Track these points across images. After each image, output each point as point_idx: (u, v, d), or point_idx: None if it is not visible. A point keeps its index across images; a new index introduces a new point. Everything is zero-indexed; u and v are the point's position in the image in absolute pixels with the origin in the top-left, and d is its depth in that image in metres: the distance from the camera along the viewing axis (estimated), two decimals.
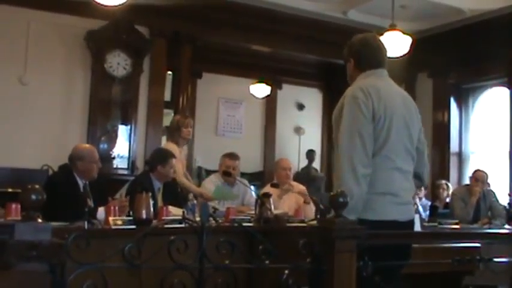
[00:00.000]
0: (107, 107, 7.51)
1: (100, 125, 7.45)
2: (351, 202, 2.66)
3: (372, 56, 3.10)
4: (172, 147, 5.94)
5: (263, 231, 4.02)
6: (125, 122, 7.63)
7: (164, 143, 6.24)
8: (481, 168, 7.17)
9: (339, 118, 2.95)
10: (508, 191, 7.57)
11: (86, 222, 3.56)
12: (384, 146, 2.89)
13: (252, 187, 6.17)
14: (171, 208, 4.42)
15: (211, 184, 5.81)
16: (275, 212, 4.62)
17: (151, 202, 3.92)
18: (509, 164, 8.21)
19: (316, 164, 10.55)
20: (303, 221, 4.70)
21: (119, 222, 3.72)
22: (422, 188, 8.15)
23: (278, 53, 9.68)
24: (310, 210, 5.54)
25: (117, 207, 3.94)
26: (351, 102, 2.91)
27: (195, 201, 4.47)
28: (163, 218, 4.13)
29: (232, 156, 5.93)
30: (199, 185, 6.30)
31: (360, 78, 3.07)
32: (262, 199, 4.49)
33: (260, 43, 8.95)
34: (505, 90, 8.56)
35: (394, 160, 2.92)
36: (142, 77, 7.76)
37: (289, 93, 11.10)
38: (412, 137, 3.04)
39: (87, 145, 5.35)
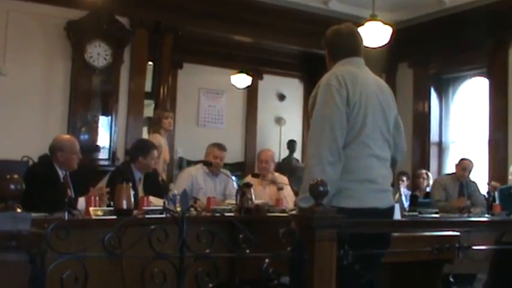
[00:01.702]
0: (87, 98, 7.46)
1: (80, 116, 7.40)
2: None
3: (344, 45, 3.11)
4: (157, 137, 6.43)
5: (244, 221, 4.04)
6: (105, 113, 7.58)
7: (147, 135, 6.28)
8: (466, 157, 7.25)
9: (313, 105, 2.96)
10: (487, 180, 7.65)
11: (66, 213, 3.55)
12: (361, 133, 2.89)
13: (234, 177, 6.16)
14: (152, 198, 4.42)
15: (188, 177, 5.77)
16: (256, 201, 4.63)
17: (132, 192, 3.92)
18: (489, 154, 8.29)
19: (297, 154, 10.57)
20: (284, 211, 4.72)
21: (99, 213, 3.71)
22: (405, 178, 8.23)
23: (259, 44, 9.68)
24: (291, 199, 5.57)
25: (97, 198, 3.93)
26: (324, 90, 2.90)
27: (176, 192, 4.46)
28: (143, 208, 4.13)
29: (221, 146, 5.94)
30: None
31: (336, 66, 3.07)
32: (243, 189, 4.50)
33: (241, 33, 8.94)
34: (484, 81, 8.63)
35: (371, 147, 2.92)
36: (123, 68, 7.71)
37: (270, 83, 11.10)
38: (389, 124, 3.05)
39: (68, 136, 5.32)
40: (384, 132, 3.00)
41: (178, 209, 3.94)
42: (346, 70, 2.98)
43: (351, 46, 3.12)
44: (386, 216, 3.00)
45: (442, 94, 9.34)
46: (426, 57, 9.21)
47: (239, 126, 10.90)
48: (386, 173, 3.04)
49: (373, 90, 3.00)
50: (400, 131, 3.20)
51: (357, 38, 3.17)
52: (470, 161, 7.05)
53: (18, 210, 1.79)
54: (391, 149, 3.09)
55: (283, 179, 6.03)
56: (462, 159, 7.13)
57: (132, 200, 3.90)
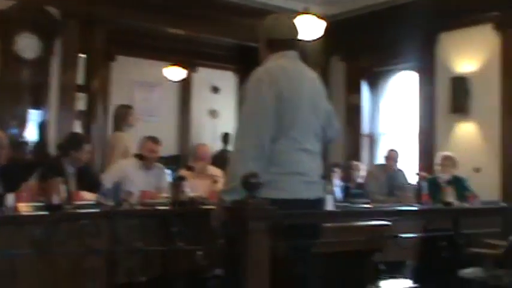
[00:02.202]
0: (16, 91, 7.26)
1: (9, 110, 7.20)
2: (232, 184, 2.71)
3: (282, 37, 3.09)
4: (121, 135, 6.71)
5: (178, 214, 4.03)
6: (36, 106, 7.40)
7: (110, 134, 6.20)
8: (393, 148, 7.45)
9: (242, 100, 2.97)
10: (416, 171, 7.86)
11: None
12: (291, 128, 2.90)
13: (168, 171, 6.13)
14: (84, 193, 4.36)
15: (119, 170, 5.71)
16: (190, 194, 4.62)
17: (64, 187, 3.84)
18: (417, 145, 8.53)
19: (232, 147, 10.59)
20: None
21: (29, 208, 3.63)
22: (338, 170, 8.37)
23: (193, 36, 9.63)
24: None
25: (27, 193, 3.85)
26: (253, 85, 2.90)
27: (108, 186, 4.41)
28: (75, 202, 4.06)
29: (156, 140, 5.90)
30: None
31: (271, 59, 3.06)
32: (177, 182, 4.49)
33: (175, 26, 8.87)
34: (413, 74, 8.86)
35: (301, 142, 2.94)
36: (53, 60, 7.54)
37: (205, 76, 11.09)
38: (320, 118, 3.08)
39: None
40: (314, 126, 3.03)
41: (111, 203, 3.91)
42: (278, 64, 2.98)
43: (287, 39, 3.11)
44: (316, 207, 3.04)
45: (373, 87, 9.52)
46: (358, 51, 9.35)
47: (173, 119, 10.85)
48: (316, 166, 3.07)
49: (305, 85, 3.02)
50: (332, 122, 3.22)
51: (295, 31, 3.17)
52: (397, 152, 7.26)
53: None
54: (321, 143, 3.12)
55: (217, 172, 6.04)
56: (389, 150, 7.34)
57: (64, 195, 3.83)
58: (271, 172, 2.84)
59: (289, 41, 3.12)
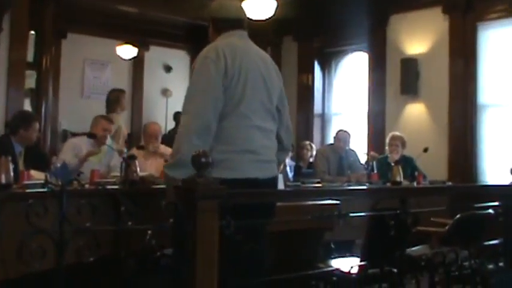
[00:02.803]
0: None
1: None
2: (175, 158, 2.77)
3: (228, 17, 3.14)
4: (116, 117, 6.85)
5: (128, 194, 4.01)
6: None
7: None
8: (343, 129, 7.52)
9: (190, 78, 3.02)
10: (366, 151, 7.98)
11: None
12: (240, 104, 2.91)
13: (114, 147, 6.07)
14: (33, 172, 4.30)
15: (72, 148, 5.63)
16: (141, 174, 4.61)
17: (12, 166, 3.78)
18: (368, 125, 8.65)
19: None
20: None
21: None
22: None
23: (145, 14, 9.53)
24: None
25: None
26: (201, 62, 2.93)
27: (58, 165, 4.36)
28: (24, 182, 4.01)
29: (109, 119, 5.87)
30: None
31: (219, 39, 3.10)
32: (128, 161, 4.46)
33: (127, 3, 8.76)
34: (364, 55, 8.95)
35: (251, 118, 2.94)
36: (2, 36, 7.36)
37: (157, 55, 11.00)
38: (272, 96, 3.09)
39: None
40: (265, 103, 3.04)
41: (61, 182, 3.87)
42: (226, 42, 3.01)
43: (236, 19, 3.15)
44: (268, 187, 3.06)
45: (326, 67, 9.60)
46: (311, 31, 9.41)
47: (125, 97, 10.73)
48: (269, 144, 3.07)
49: (255, 63, 3.03)
50: (284, 104, 3.26)
51: (241, 11, 3.21)
52: (347, 132, 7.34)
53: None
54: (276, 121, 3.14)
55: (169, 151, 6.01)
56: (338, 131, 7.42)
57: (12, 174, 3.78)
58: (220, 150, 2.85)
59: (237, 21, 3.16)
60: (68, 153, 5.51)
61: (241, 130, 2.92)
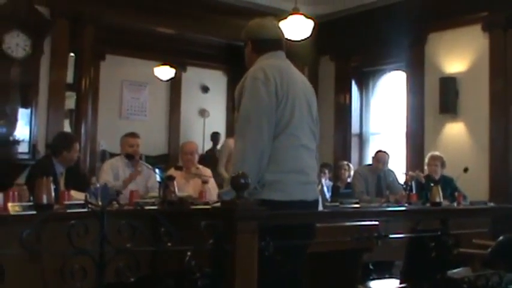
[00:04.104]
0: (5, 90, 7.22)
1: None
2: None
3: (268, 38, 3.13)
4: (230, 141, 6.63)
5: (167, 214, 4.03)
6: (25, 105, 7.37)
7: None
8: (382, 149, 7.44)
9: (239, 99, 2.96)
10: (405, 171, 7.88)
11: None
12: (289, 125, 2.92)
13: (157, 170, 6.12)
14: (73, 193, 4.34)
15: (111, 169, 5.69)
16: (179, 194, 4.62)
17: (53, 187, 3.83)
18: (406, 145, 8.56)
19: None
20: (207, 203, 4.73)
21: (18, 208, 3.62)
22: (327, 170, 8.40)
23: (183, 35, 9.63)
24: (216, 192, 5.57)
25: (16, 193, 3.83)
26: (251, 83, 2.91)
27: (98, 185, 4.40)
28: (64, 202, 4.05)
29: (133, 134, 5.90)
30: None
31: (260, 60, 3.08)
32: (166, 182, 4.48)
33: (165, 25, 8.86)
34: (402, 74, 8.89)
35: (299, 138, 2.96)
36: (43, 59, 7.51)
37: (194, 75, 11.08)
38: (313, 116, 3.10)
39: None
40: (309, 123, 3.05)
41: (100, 202, 3.91)
42: (272, 64, 3.01)
43: (276, 40, 3.15)
44: (312, 209, 3.06)
45: (363, 87, 9.56)
46: (347, 50, 9.39)
47: (163, 118, 10.84)
48: (314, 164, 3.09)
49: (299, 83, 3.05)
50: (317, 125, 3.25)
51: (280, 31, 3.21)
52: (386, 153, 7.25)
53: None
54: (316, 140, 3.15)
55: (207, 172, 6.03)
56: (377, 152, 7.33)
57: (53, 194, 3.82)
58: (271, 171, 2.86)
59: (276, 41, 3.16)
60: (109, 174, 5.57)
61: (289, 150, 2.92)
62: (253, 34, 3.17)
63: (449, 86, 7.92)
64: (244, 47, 3.22)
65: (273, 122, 2.88)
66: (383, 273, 5.60)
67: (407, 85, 8.64)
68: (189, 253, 2.38)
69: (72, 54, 8.40)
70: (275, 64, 3.02)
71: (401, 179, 7.35)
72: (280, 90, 2.91)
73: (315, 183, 3.10)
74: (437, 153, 6.99)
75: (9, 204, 3.65)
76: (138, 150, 5.80)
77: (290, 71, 3.07)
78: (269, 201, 2.62)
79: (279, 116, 2.90)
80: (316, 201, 3.11)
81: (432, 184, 5.90)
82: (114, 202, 3.84)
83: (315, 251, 3.63)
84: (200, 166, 6.17)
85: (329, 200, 6.93)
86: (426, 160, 6.93)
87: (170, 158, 10.24)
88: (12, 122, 7.26)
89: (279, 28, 3.23)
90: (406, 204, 6.14)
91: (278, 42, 3.16)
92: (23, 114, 7.36)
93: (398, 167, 8.11)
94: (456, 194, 6.34)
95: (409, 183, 6.62)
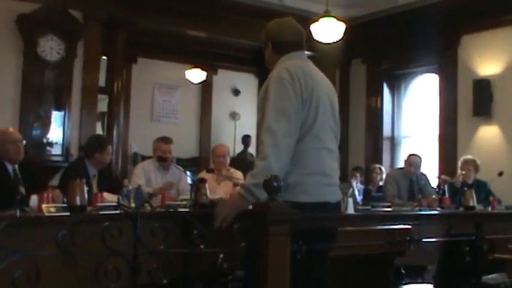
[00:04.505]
0: (39, 93, 7.34)
1: (33, 111, 7.27)
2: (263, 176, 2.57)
3: (290, 38, 3.09)
4: None
5: (198, 217, 4.04)
6: (58, 108, 7.47)
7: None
8: (414, 153, 7.37)
9: (263, 100, 2.92)
10: (437, 174, 7.80)
11: (18, 210, 3.49)
12: (313, 127, 2.88)
13: (188, 173, 6.15)
14: (106, 195, 4.38)
15: (142, 172, 5.73)
16: (211, 197, 4.63)
17: (86, 189, 3.87)
18: (439, 148, 8.47)
19: (252, 149, 10.59)
20: None
21: (52, 210, 3.66)
22: (358, 174, 8.35)
23: (214, 38, 9.64)
24: None
25: (50, 195, 3.88)
26: (277, 83, 2.87)
27: (130, 188, 4.43)
28: (97, 204, 4.09)
29: (166, 140, 5.93)
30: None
31: (282, 60, 3.03)
32: (198, 184, 4.49)
33: (196, 28, 8.90)
34: (434, 77, 8.81)
35: (322, 140, 2.92)
36: (76, 62, 7.61)
37: (225, 78, 11.11)
38: (335, 117, 3.06)
39: (4, 128, 5.18)
40: (332, 125, 3.01)
41: (133, 204, 3.93)
42: (296, 64, 2.97)
43: (296, 40, 3.10)
44: (336, 210, 3.03)
45: (395, 90, 9.49)
46: (379, 53, 9.34)
47: (194, 121, 10.89)
48: (335, 166, 3.05)
49: (322, 85, 3.01)
50: (339, 126, 3.17)
51: (301, 32, 3.15)
52: (418, 156, 7.18)
53: None
54: (338, 142, 3.11)
55: (238, 175, 6.03)
56: (410, 155, 7.25)
57: (86, 196, 3.86)
58: (295, 173, 2.82)
59: (298, 42, 3.11)
60: (141, 178, 5.61)
61: (313, 152, 2.89)
62: (273, 35, 3.13)
63: (483, 88, 7.82)
64: (264, 48, 3.18)
65: (299, 123, 2.84)
66: (415, 277, 5.56)
67: (439, 88, 8.56)
68: (221, 255, 2.38)
69: (104, 57, 8.49)
70: (299, 65, 2.98)
71: (434, 182, 7.27)
72: (305, 91, 2.87)
73: (337, 185, 3.06)
74: (470, 156, 6.90)
75: (44, 206, 3.69)
76: (170, 156, 5.84)
77: (313, 72, 3.03)
78: (292, 203, 2.59)
79: (303, 117, 2.87)
80: (338, 203, 3.07)
81: (466, 188, 5.83)
82: (147, 204, 3.88)
83: (347, 255, 3.61)
84: (231, 169, 6.18)
85: (360, 203, 6.88)
86: (459, 164, 6.84)
87: (201, 161, 10.28)
88: (46, 125, 7.36)
89: (300, 28, 3.17)
90: (439, 208, 6.07)
91: (299, 43, 3.11)
92: (56, 117, 7.47)
93: (430, 170, 8.03)
94: (491, 198, 6.25)
95: (442, 187, 6.54)
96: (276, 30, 3.13)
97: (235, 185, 5.70)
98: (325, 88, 3.05)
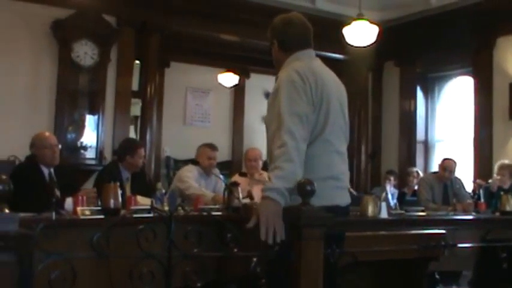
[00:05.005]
0: (74, 97, 7.43)
1: (67, 115, 7.36)
2: (286, 170, 2.56)
3: (297, 36, 2.96)
4: None
5: (232, 220, 4.04)
6: (92, 112, 7.55)
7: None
8: (449, 157, 7.28)
9: (272, 102, 2.81)
10: (472, 178, 7.70)
11: (53, 213, 3.53)
12: (324, 130, 2.79)
13: (221, 176, 6.16)
14: (139, 198, 4.40)
15: (193, 176, 5.74)
16: (244, 200, 4.63)
17: (120, 192, 3.90)
18: (474, 152, 8.36)
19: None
20: None
21: (87, 212, 3.70)
22: (392, 178, 8.28)
23: (246, 42, 9.64)
24: None
25: (85, 197, 3.92)
26: (287, 86, 2.73)
27: (163, 191, 4.46)
28: (131, 207, 4.12)
29: (213, 147, 5.94)
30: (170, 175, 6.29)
31: (290, 60, 2.92)
32: (231, 188, 4.50)
33: (228, 32, 8.93)
34: (469, 80, 8.70)
35: (333, 143, 2.83)
36: (109, 66, 7.68)
37: (257, 82, 11.10)
38: (345, 117, 2.97)
39: (41, 132, 5.25)
40: (342, 126, 2.93)
41: (166, 208, 3.96)
42: (305, 66, 2.85)
43: (304, 37, 2.98)
44: (346, 214, 2.98)
45: (428, 93, 9.39)
46: (412, 56, 9.25)
47: (226, 124, 10.91)
48: (346, 169, 2.97)
49: (331, 86, 2.90)
50: (348, 126, 3.06)
51: (308, 28, 3.01)
52: (453, 161, 7.09)
53: (6, 210, 1.79)
54: (347, 142, 3.01)
55: (262, 177, 6.02)
56: (444, 159, 7.16)
57: (120, 199, 3.89)
58: (307, 178, 2.75)
59: (305, 39, 2.98)
60: (192, 180, 5.62)
61: (323, 156, 2.79)
62: (279, 33, 2.99)
63: None
64: (270, 46, 3.06)
65: (310, 128, 2.74)
66: (450, 283, 5.48)
67: (474, 90, 8.44)
68: (254, 259, 2.38)
69: (137, 61, 8.57)
70: (309, 66, 2.86)
71: (469, 186, 7.18)
72: (315, 95, 2.76)
73: (347, 188, 2.98)
74: (506, 162, 6.80)
75: (79, 209, 3.73)
76: (214, 164, 5.85)
77: (323, 72, 2.91)
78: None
79: (314, 121, 2.77)
80: (348, 207, 2.98)
81: (502, 193, 5.74)
82: (180, 208, 3.89)
83: (380, 259, 3.59)
84: (264, 172, 6.17)
85: (393, 207, 6.81)
86: (495, 169, 6.75)
87: (233, 165, 10.29)
88: (80, 128, 7.45)
89: (307, 24, 3.02)
90: (474, 213, 5.99)
91: (306, 40, 2.98)
92: (90, 121, 7.55)
93: (464, 174, 7.93)
94: None
95: (477, 191, 6.45)
96: (282, 27, 2.99)
97: None
98: (335, 88, 2.93)
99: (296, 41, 2.95)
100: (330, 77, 2.96)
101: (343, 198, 2.92)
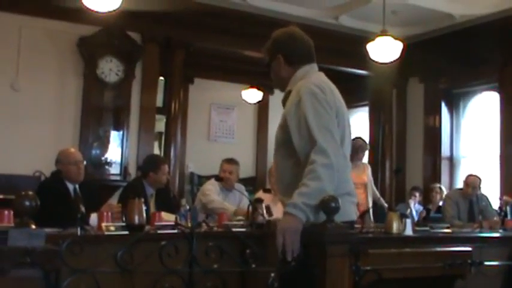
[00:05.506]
0: (99, 113, 7.51)
1: (92, 131, 7.43)
2: (318, 187, 2.50)
3: (302, 49, 2.90)
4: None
5: (255, 236, 4.04)
6: (117, 128, 7.62)
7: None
8: (473, 173, 7.21)
9: (294, 116, 2.72)
10: (499, 195, 7.61)
11: (79, 228, 3.56)
12: (343, 145, 2.74)
13: (246, 193, 6.16)
14: (163, 214, 4.42)
15: (214, 190, 5.77)
16: (267, 217, 4.63)
17: (144, 208, 3.92)
18: (500, 168, 8.26)
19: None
20: None
21: (112, 228, 3.72)
22: (417, 194, 8.23)
23: None
24: None
25: (110, 213, 3.94)
26: (310, 99, 2.66)
27: (187, 207, 4.47)
28: (155, 223, 4.14)
29: (229, 160, 5.95)
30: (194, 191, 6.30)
31: (300, 74, 2.86)
32: (255, 204, 4.50)
33: (252, 48, 8.95)
34: (495, 95, 8.63)
35: (347, 158, 2.80)
36: (134, 83, 7.76)
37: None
38: (351, 130, 2.91)
39: (66, 148, 5.31)
40: (350, 140, 2.90)
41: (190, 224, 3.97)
42: (320, 79, 2.81)
43: (309, 50, 2.93)
44: (352, 228, 2.96)
45: (453, 109, 9.33)
46: (437, 72, 9.21)
47: (250, 141, 10.92)
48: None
49: (341, 99, 2.86)
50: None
51: (310, 42, 2.97)
52: (477, 177, 7.02)
53: (33, 226, 1.80)
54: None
55: None
56: (468, 176, 7.10)
57: (144, 215, 3.91)
58: None
59: (309, 53, 2.93)
60: (214, 193, 5.65)
61: (343, 172, 2.70)
62: (284, 46, 2.90)
63: None
64: (269, 62, 2.98)
65: (339, 140, 2.68)
66: None
67: (500, 106, 8.37)
68: (272, 274, 2.37)
69: (162, 78, 8.63)
70: (324, 80, 2.82)
71: (496, 204, 7.10)
72: (334, 109, 2.71)
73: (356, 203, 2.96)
74: None
75: (103, 224, 3.76)
76: (232, 178, 5.85)
77: (333, 86, 2.85)
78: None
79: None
80: (354, 222, 2.93)
81: None
82: (204, 223, 3.90)
83: (404, 277, 3.55)
84: None
85: (418, 223, 6.75)
86: None
87: (258, 181, 10.28)
88: (104, 144, 7.51)
89: (307, 37, 2.97)
90: (501, 230, 5.91)
91: (311, 54, 2.93)
92: (115, 137, 7.61)
93: (491, 191, 7.84)
94: None
95: (504, 209, 6.37)
96: (287, 41, 2.92)
97: None
98: (343, 102, 2.87)
99: (302, 54, 2.90)
100: (338, 91, 2.89)
101: (355, 213, 2.94)
